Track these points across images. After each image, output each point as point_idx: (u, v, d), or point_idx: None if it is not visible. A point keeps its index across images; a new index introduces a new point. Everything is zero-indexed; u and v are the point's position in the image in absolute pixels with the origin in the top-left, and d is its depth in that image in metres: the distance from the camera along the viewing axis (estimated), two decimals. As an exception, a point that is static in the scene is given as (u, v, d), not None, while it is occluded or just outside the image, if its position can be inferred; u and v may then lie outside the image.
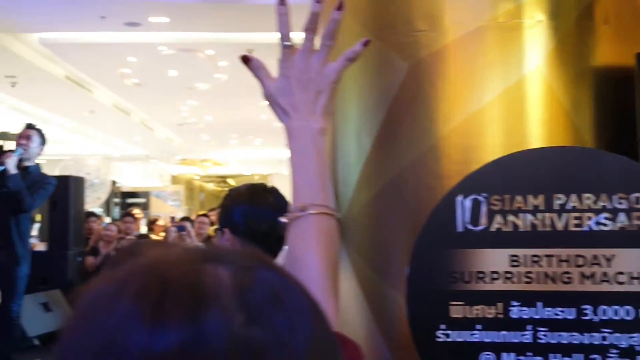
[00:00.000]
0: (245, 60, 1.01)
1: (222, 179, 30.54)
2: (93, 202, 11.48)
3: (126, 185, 21.10)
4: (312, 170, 0.98)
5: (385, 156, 1.74)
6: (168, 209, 19.94)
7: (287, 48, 1.00)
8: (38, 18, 7.98)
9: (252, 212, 2.01)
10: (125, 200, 19.99)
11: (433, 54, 1.69)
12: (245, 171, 28.04)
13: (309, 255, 0.93)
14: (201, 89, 12.17)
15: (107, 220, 10.25)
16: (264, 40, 8.26)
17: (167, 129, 17.44)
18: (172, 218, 9.91)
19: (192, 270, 0.43)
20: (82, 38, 9.06)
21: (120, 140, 18.68)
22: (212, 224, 8.04)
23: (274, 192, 2.09)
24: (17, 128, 7.95)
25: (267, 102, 1.02)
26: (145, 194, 21.24)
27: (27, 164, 4.98)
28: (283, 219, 1.01)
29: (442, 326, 1.50)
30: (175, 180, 25.30)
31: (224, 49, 9.60)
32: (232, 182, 30.49)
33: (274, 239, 2.03)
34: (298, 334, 0.43)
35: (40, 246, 6.90)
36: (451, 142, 1.67)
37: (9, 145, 5.80)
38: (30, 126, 5.15)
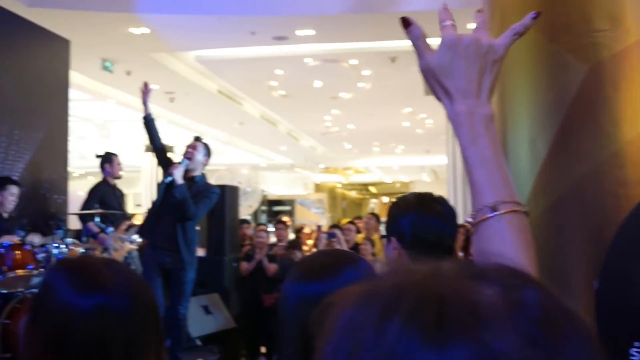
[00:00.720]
0: (406, 23, 0.90)
1: (364, 186, 30.78)
2: (245, 210, 11.99)
3: (272, 193, 21.89)
4: (490, 163, 0.86)
5: (563, 163, 1.67)
6: (312, 216, 20.45)
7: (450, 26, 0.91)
8: (195, 37, 8.50)
9: (419, 221, 1.99)
10: (272, 208, 20.76)
11: (615, 55, 1.60)
12: (386, 179, 28.07)
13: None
14: (344, 98, 12.37)
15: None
16: (407, 48, 8.21)
17: (311, 138, 17.90)
18: (319, 227, 10.14)
19: (465, 288, 0.42)
20: (234, 54, 9.55)
21: (267, 150, 19.42)
22: (358, 231, 8.14)
23: (442, 201, 2.05)
24: (175, 141, 8.50)
25: (424, 76, 0.92)
26: (291, 202, 21.93)
27: (193, 174, 5.28)
28: (469, 219, 0.91)
29: (637, 344, 1.40)
30: (318, 188, 25.87)
31: (368, 58, 9.72)
32: (373, 190, 30.68)
33: (441, 249, 2.00)
34: (579, 358, 0.40)
35: (199, 252, 7.29)
36: (637, 148, 1.56)
37: (174, 157, 6.18)
38: (197, 138, 5.46)
